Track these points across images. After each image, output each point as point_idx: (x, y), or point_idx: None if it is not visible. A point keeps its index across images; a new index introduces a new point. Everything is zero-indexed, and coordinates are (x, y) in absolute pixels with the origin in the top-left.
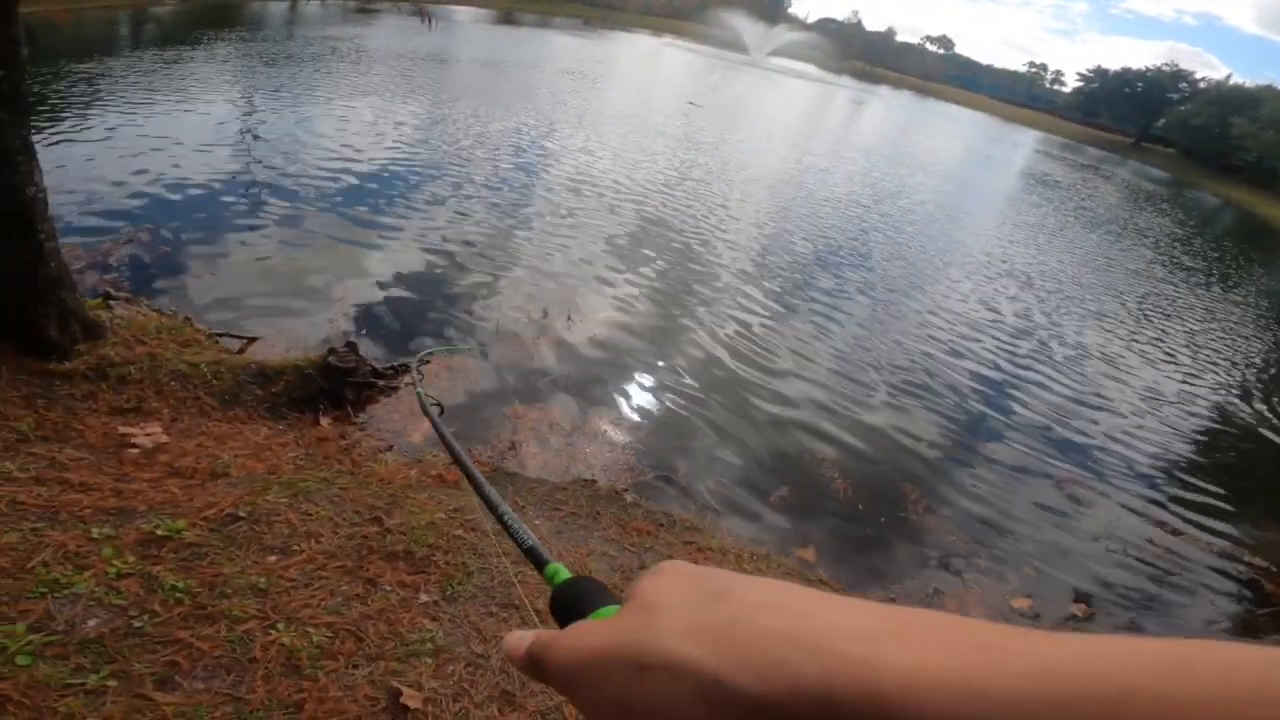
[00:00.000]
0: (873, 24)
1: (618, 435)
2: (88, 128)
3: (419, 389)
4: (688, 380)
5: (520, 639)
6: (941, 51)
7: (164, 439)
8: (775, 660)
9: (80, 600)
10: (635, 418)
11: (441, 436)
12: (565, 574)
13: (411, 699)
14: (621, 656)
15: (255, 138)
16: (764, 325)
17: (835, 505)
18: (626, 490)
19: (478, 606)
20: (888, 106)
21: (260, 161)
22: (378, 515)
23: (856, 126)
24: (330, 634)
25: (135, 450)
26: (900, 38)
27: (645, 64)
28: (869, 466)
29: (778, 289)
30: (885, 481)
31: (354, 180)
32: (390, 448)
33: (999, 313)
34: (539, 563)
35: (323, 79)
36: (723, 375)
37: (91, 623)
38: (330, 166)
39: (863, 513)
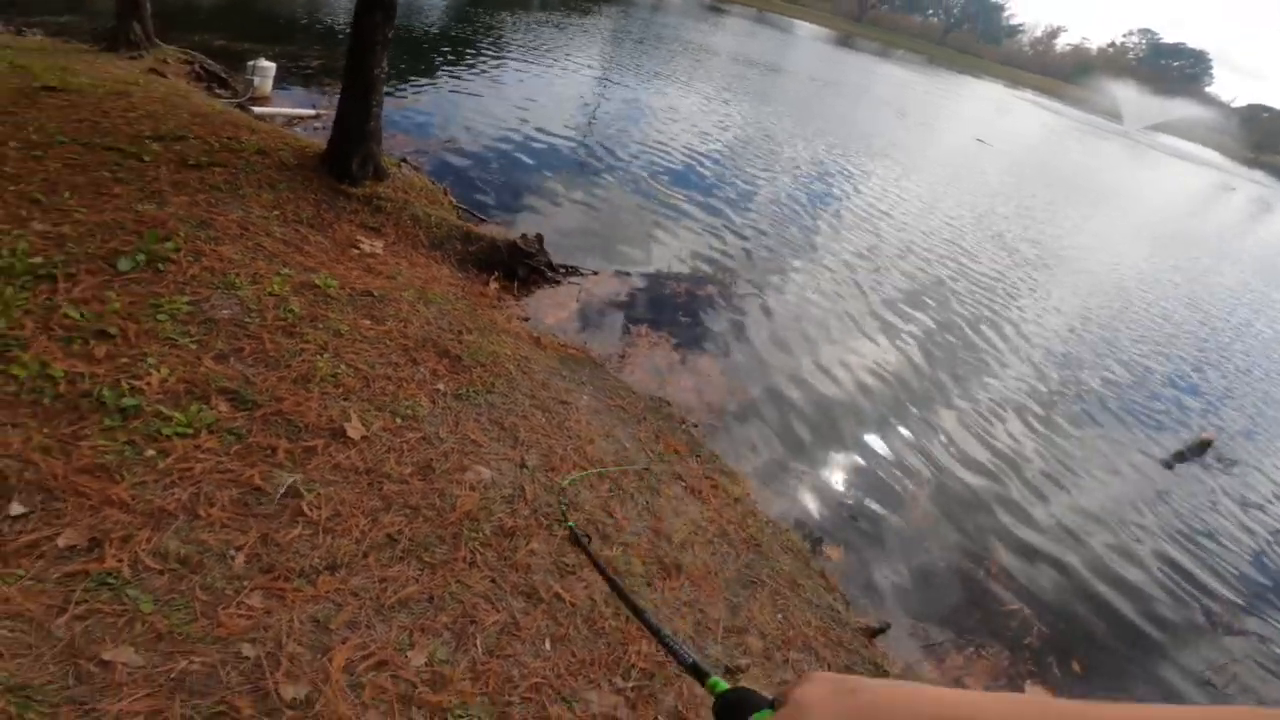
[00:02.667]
0: None
1: (738, 396)
2: (477, 64)
3: (570, 523)
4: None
5: None
6: None
7: (379, 251)
8: None
9: (233, 298)
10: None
11: (595, 564)
12: (724, 685)
13: (354, 430)
14: None
15: (598, 105)
16: (984, 422)
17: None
18: (695, 424)
19: (473, 410)
20: None
21: (592, 123)
22: (461, 330)
23: (1252, 234)
24: (352, 373)
25: (356, 251)
26: None
27: (986, 114)
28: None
29: (1046, 404)
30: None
31: (664, 162)
32: (527, 319)
33: None
34: (700, 675)
35: (669, 66)
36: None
37: (224, 312)
38: (648, 144)
39: (938, 568)
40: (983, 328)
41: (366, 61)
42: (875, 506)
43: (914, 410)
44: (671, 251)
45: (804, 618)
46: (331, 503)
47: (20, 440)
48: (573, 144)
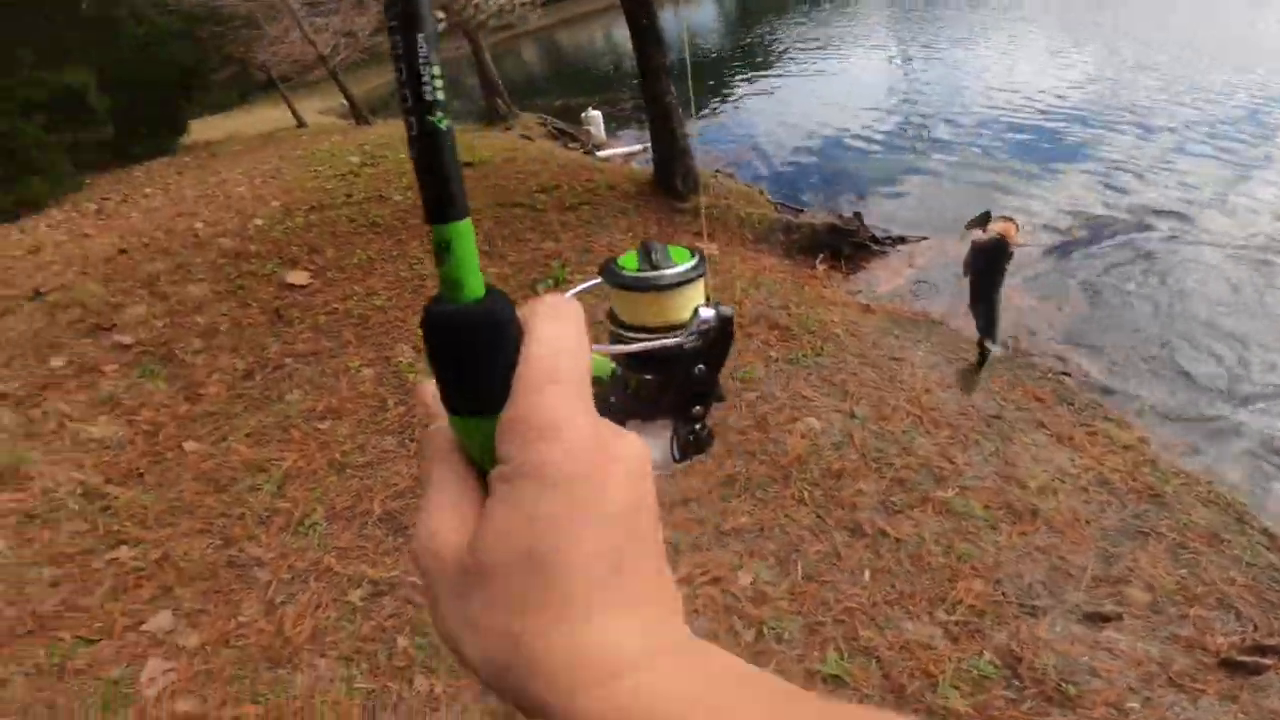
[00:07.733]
0: None
1: None
2: (766, 72)
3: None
4: None
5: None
6: None
7: (715, 253)
8: (502, 669)
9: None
10: None
11: None
12: (479, 288)
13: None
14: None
15: (901, 84)
16: None
17: None
18: (1066, 374)
19: (803, 372)
20: None
21: (900, 103)
22: (789, 305)
23: None
24: None
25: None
26: None
27: None
28: None
29: None
30: None
31: (995, 126)
32: (858, 292)
33: None
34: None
35: (969, 26)
36: None
37: None
38: (970, 112)
39: None
40: None
41: (655, 89)
42: None
43: None
44: (1011, 208)
45: (1224, 575)
46: None
47: None
48: (885, 127)
